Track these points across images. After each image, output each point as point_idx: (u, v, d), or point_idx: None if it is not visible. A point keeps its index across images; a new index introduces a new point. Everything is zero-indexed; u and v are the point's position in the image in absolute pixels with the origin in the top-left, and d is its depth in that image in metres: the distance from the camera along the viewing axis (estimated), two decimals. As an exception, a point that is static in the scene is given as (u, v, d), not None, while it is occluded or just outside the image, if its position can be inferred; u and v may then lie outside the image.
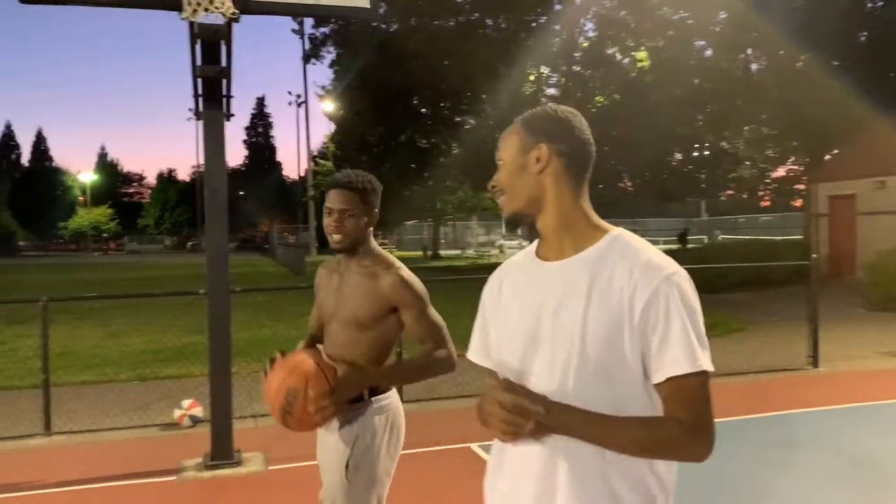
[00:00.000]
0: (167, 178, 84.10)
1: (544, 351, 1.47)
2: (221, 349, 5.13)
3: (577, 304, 1.44)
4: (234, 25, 4.87)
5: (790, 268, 14.94)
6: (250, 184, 74.96)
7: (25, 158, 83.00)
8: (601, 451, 1.41)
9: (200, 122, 5.22)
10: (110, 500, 4.74)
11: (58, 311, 6.79)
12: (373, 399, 2.45)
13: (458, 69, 24.24)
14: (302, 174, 62.41)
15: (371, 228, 2.54)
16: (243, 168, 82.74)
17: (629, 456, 1.41)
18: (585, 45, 27.05)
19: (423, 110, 29.17)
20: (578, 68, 27.30)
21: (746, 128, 25.30)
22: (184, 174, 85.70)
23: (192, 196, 73.20)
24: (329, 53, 30.82)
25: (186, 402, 6.39)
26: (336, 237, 2.47)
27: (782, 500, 4.47)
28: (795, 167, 27.78)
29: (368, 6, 5.10)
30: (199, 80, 5.11)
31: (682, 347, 1.38)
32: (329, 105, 34.98)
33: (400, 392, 7.34)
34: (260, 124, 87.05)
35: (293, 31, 38.00)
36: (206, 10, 4.64)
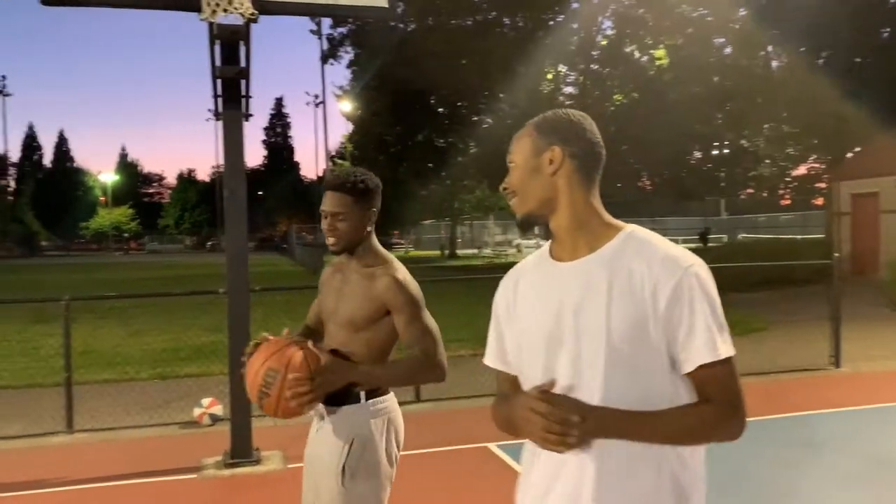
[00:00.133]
0: (187, 179, 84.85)
1: (568, 350, 1.48)
2: (241, 348, 5.13)
3: (598, 302, 1.46)
4: (253, 26, 4.90)
5: (812, 267, 14.76)
6: (269, 184, 75.39)
7: (48, 159, 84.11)
8: (634, 446, 1.43)
9: (220, 123, 5.26)
10: (131, 497, 4.79)
11: (80, 311, 6.88)
12: (369, 401, 2.36)
13: (476, 68, 24.24)
14: (320, 174, 62.71)
15: (369, 229, 2.47)
16: (262, 168, 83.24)
17: (661, 448, 1.44)
18: (603, 43, 26.95)
19: (441, 110, 29.19)
20: (596, 66, 27.20)
21: (766, 126, 25.08)
22: (203, 174, 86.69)
23: (211, 196, 73.73)
24: (347, 53, 30.94)
25: (206, 401, 6.44)
26: (331, 240, 2.43)
27: (804, 501, 4.42)
28: (817, 165, 27.52)
29: (386, 6, 5.11)
30: (219, 81, 5.14)
31: (708, 338, 1.43)
32: (347, 105, 35.07)
33: (417, 391, 7.36)
34: (278, 125, 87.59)
35: (311, 31, 38.14)
36: (225, 10, 4.67)
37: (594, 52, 26.96)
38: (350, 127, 38.31)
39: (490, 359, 1.71)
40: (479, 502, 4.50)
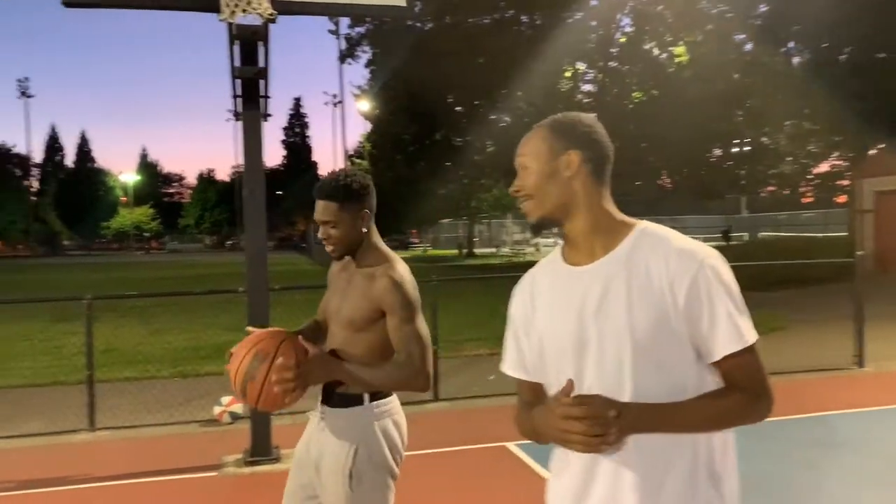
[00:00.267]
0: (207, 179, 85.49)
1: (593, 353, 1.49)
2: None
3: (618, 302, 1.47)
4: (272, 26, 4.92)
5: (834, 265, 14.60)
6: (288, 183, 75.73)
7: (69, 160, 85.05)
8: (667, 439, 1.45)
9: (239, 123, 5.29)
10: (152, 494, 4.83)
11: (102, 310, 6.95)
12: (373, 403, 2.35)
13: (493, 67, 24.17)
14: (338, 173, 62.75)
15: (365, 230, 2.41)
16: (281, 168, 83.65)
17: (694, 438, 1.47)
18: (622, 40, 26.79)
19: (458, 108, 29.13)
20: (615, 64, 27.04)
21: (788, 123, 24.80)
22: (223, 174, 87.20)
23: (231, 196, 74.28)
24: (365, 53, 30.96)
25: (226, 399, 6.48)
26: (328, 248, 2.42)
27: (826, 502, 4.37)
28: (839, 162, 27.15)
29: (404, 4, 5.11)
30: (238, 81, 5.17)
31: (731, 327, 1.45)
32: (365, 104, 35.17)
33: (435, 391, 7.35)
34: (297, 124, 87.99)
35: (329, 31, 38.16)
36: (244, 11, 4.69)
37: (613, 50, 26.80)
38: (368, 126, 38.45)
39: (509, 367, 1.71)
40: (498, 501, 4.49)
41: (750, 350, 1.47)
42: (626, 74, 26.89)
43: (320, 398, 2.47)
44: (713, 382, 1.50)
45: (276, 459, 5.23)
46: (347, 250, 2.41)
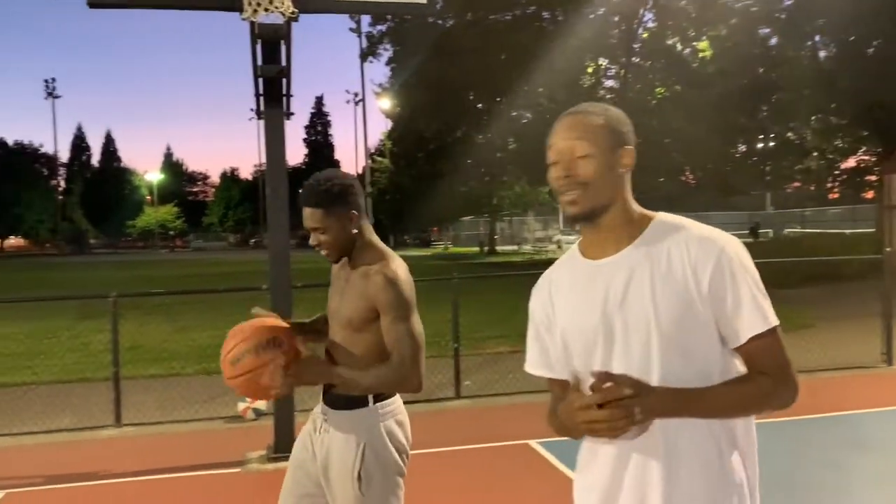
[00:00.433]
0: (230, 177, 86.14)
1: (619, 344, 1.49)
2: (283, 344, 5.20)
3: (642, 291, 1.48)
4: (293, 25, 4.94)
5: (862, 262, 14.38)
6: (310, 182, 75.91)
7: (95, 159, 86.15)
8: (695, 428, 1.46)
9: (262, 122, 5.32)
10: (177, 490, 4.88)
11: (127, 307, 7.03)
12: (377, 405, 2.33)
13: (515, 63, 24.10)
14: (360, 171, 63.14)
15: (355, 230, 2.37)
16: (303, 167, 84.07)
17: (722, 425, 1.47)
18: (645, 35, 26.60)
19: (479, 105, 29.10)
20: (638, 59, 26.85)
21: (814, 118, 24.50)
22: (246, 173, 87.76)
23: (254, 194, 74.78)
24: (386, 51, 31.05)
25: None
26: (323, 253, 2.40)
27: (852, 503, 4.31)
28: (867, 157, 26.75)
29: (425, 1, 5.11)
30: (260, 80, 5.20)
31: (755, 309, 1.46)
32: (386, 102, 35.25)
33: (457, 388, 7.34)
34: (319, 123, 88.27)
35: (351, 29, 38.35)
36: (266, 10, 4.72)
37: (635, 45, 26.62)
38: (389, 124, 38.54)
39: (533, 367, 1.71)
40: (521, 499, 4.48)
41: (773, 332, 1.48)
42: (649, 70, 26.70)
43: (321, 399, 2.46)
44: (739, 370, 1.50)
45: (299, 456, 5.25)
46: (341, 253, 2.38)
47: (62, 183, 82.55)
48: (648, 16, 26.28)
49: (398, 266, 2.34)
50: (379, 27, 30.47)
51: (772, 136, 26.67)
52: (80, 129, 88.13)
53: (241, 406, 6.49)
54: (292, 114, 5.39)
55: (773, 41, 23.46)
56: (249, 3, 4.69)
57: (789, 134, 26.25)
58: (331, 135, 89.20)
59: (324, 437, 2.40)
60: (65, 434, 6.22)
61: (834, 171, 29.98)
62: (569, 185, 1.52)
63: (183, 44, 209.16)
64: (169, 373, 8.61)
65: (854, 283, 14.28)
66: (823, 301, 13.00)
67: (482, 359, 8.50)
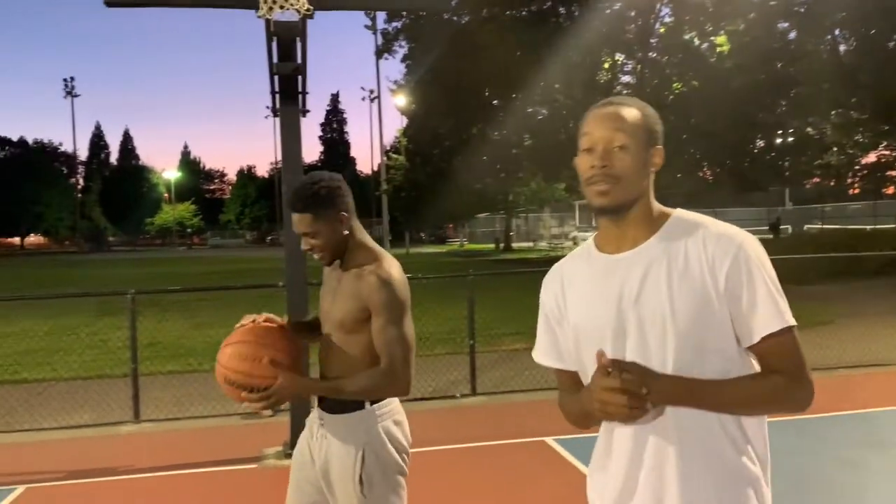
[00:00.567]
0: (247, 175, 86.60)
1: (634, 341, 1.48)
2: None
3: (658, 288, 1.47)
4: (309, 22, 4.95)
5: (882, 258, 14.23)
6: (326, 179, 76.07)
7: (114, 157, 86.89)
8: (710, 425, 1.45)
9: (278, 119, 5.33)
10: (195, 485, 4.91)
11: (145, 304, 7.09)
12: (374, 406, 2.31)
13: (530, 59, 24.01)
14: (375, 168, 63.27)
15: (346, 232, 2.34)
16: (319, 164, 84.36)
17: (736, 423, 1.46)
18: (662, 30, 26.40)
19: (495, 102, 29.02)
20: (654, 55, 26.66)
21: (834, 112, 24.21)
22: (263, 170, 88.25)
23: (270, 192, 75.17)
24: (401, 48, 31.05)
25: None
26: (315, 256, 2.38)
27: (871, 502, 4.26)
28: (888, 152, 26.44)
29: (440, -2, 5.09)
30: (276, 78, 5.22)
31: (771, 307, 1.44)
32: (401, 99, 35.24)
33: (473, 385, 7.31)
34: (334, 120, 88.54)
35: (366, 26, 38.42)
36: (282, 7, 4.73)
37: (652, 40, 26.43)
38: (405, 121, 38.53)
39: (542, 356, 1.72)
40: (537, 496, 4.46)
41: (789, 332, 1.45)
42: (666, 65, 26.49)
43: (317, 403, 2.43)
44: (757, 371, 1.49)
45: (316, 452, 5.27)
46: (334, 255, 2.36)
47: (81, 181, 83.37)
48: (665, 10, 26.08)
49: (392, 266, 2.31)
50: (394, 24, 30.47)
51: (790, 131, 26.39)
52: (98, 127, 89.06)
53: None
54: (308, 111, 5.41)
55: (792, 35, 23.21)
56: (265, 1, 4.70)
57: (808, 129, 25.96)
58: (346, 132, 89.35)
59: (322, 443, 2.38)
60: (84, 430, 6.28)
61: (854, 167, 29.66)
62: (602, 175, 1.49)
63: (200, 42, 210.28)
64: (186, 369, 8.66)
65: (874, 280, 14.14)
66: (843, 297, 12.87)
67: (498, 355, 8.48)
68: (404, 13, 28.64)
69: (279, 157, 5.95)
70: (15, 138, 76.89)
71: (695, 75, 25.34)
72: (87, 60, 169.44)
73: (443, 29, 26.47)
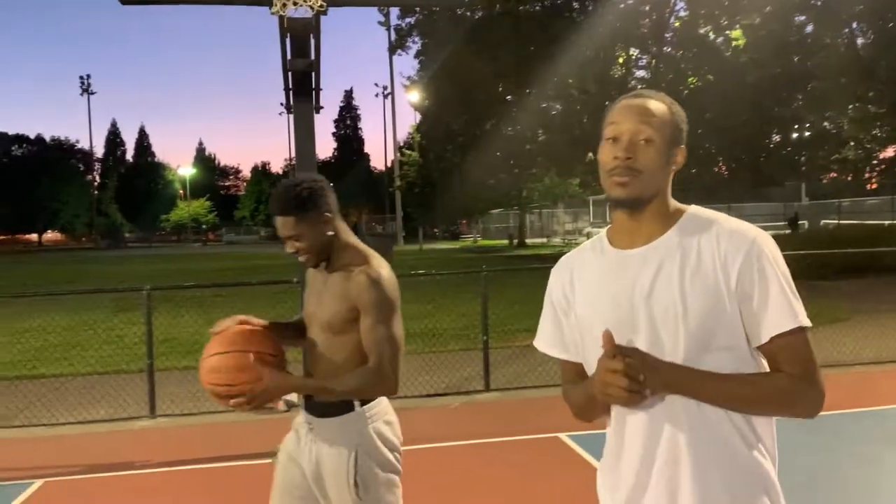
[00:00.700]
0: (261, 171, 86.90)
1: (644, 337, 1.46)
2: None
3: (671, 284, 1.45)
4: (322, 18, 4.95)
5: (900, 254, 14.06)
6: (339, 175, 76.44)
7: (129, 154, 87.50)
8: (723, 422, 1.43)
9: (291, 116, 5.35)
10: (210, 480, 4.94)
11: (161, 300, 7.12)
12: (364, 408, 2.29)
13: (544, 54, 23.94)
14: (389, 165, 63.27)
15: (331, 233, 2.31)
16: (332, 160, 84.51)
17: (746, 420, 1.44)
18: (677, 25, 26.24)
19: (509, 97, 28.97)
20: (669, 49, 26.52)
21: (851, 106, 23.97)
22: (277, 167, 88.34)
23: (284, 188, 75.26)
24: (415, 44, 31.10)
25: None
26: (300, 259, 2.33)
27: (889, 499, 4.22)
28: (906, 147, 26.15)
29: (453, -6, 5.09)
30: (290, 75, 5.23)
31: (783, 306, 1.42)
32: (415, 95, 35.27)
33: (487, 381, 7.31)
34: (348, 116, 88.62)
35: (379, 23, 38.57)
36: (295, 4, 4.74)
37: (667, 35, 26.28)
38: (418, 117, 38.54)
39: (545, 345, 1.71)
40: (551, 492, 4.46)
41: (801, 332, 1.42)
42: (681, 59, 26.36)
43: (303, 407, 2.41)
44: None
45: (330, 448, 5.28)
46: (320, 257, 2.32)
47: (97, 178, 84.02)
48: (680, 4, 25.97)
49: (381, 265, 2.29)
50: (408, 20, 30.50)
51: (807, 125, 26.19)
52: (114, 124, 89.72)
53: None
54: (321, 108, 5.42)
55: (809, 28, 22.99)
56: (278, -2, 4.72)
57: (825, 123, 25.75)
58: (360, 128, 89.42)
59: (312, 447, 2.35)
60: (101, 425, 6.34)
61: (872, 161, 29.35)
62: (625, 167, 1.47)
63: (214, 39, 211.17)
64: (202, 365, 8.70)
65: (892, 276, 13.98)
66: (860, 293, 12.75)
67: (512, 352, 8.47)
68: (417, 9, 28.63)
69: (293, 154, 5.97)
70: (32, 136, 77.77)
71: (710, 70, 25.18)
72: (103, 58, 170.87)
73: (456, 24, 26.46)
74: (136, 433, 6.14)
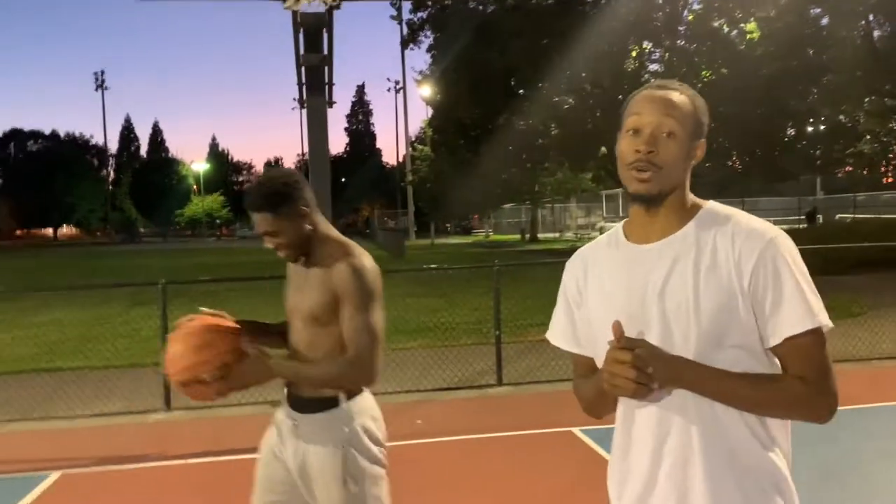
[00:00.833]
0: (274, 166, 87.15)
1: (656, 334, 1.44)
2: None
3: (685, 281, 1.43)
4: (335, 13, 4.96)
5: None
6: (351, 170, 76.61)
7: (143, 150, 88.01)
8: (736, 421, 1.41)
9: (304, 111, 5.36)
10: (224, 473, 4.97)
11: (176, 294, 7.17)
12: (349, 403, 2.28)
13: (557, 48, 23.82)
14: (401, 159, 63.28)
15: (309, 226, 2.28)
16: (344, 155, 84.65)
17: (758, 419, 1.41)
18: (690, 18, 26.05)
19: (521, 91, 28.86)
20: (683, 42, 26.32)
21: (867, 100, 23.73)
22: (290, 162, 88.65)
23: (297, 183, 75.43)
24: (427, 38, 30.97)
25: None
26: (280, 255, 2.32)
27: (908, 495, 4.20)
28: (923, 140, 25.88)
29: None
30: (303, 69, 5.24)
31: (797, 308, 1.38)
32: (427, 90, 35.23)
33: (499, 375, 7.31)
34: (360, 111, 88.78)
35: (391, 17, 38.50)
36: (308, -1, 4.74)
37: (680, 28, 26.10)
38: (430, 112, 38.51)
39: (557, 338, 1.70)
40: (565, 486, 4.47)
41: (815, 334, 1.38)
42: (695, 53, 26.14)
43: (286, 403, 2.39)
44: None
45: (343, 441, 5.30)
46: (300, 251, 2.31)
47: (112, 173, 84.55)
48: (694, -3, 25.75)
49: (363, 255, 2.28)
50: (420, 14, 30.39)
51: (822, 119, 25.96)
52: (128, 120, 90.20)
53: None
54: (334, 102, 5.44)
55: (825, 21, 22.76)
56: (291, -7, 4.72)
57: (841, 117, 25.51)
58: (372, 123, 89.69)
59: (297, 444, 2.33)
60: (116, 418, 6.39)
61: (888, 155, 29.07)
62: (647, 161, 1.44)
63: (227, 35, 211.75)
64: (216, 358, 8.75)
65: (909, 270, 13.86)
66: (877, 288, 12.64)
67: (524, 346, 8.47)
68: (430, 3, 28.58)
69: (306, 149, 5.97)
70: (47, 131, 78.35)
71: (724, 63, 24.98)
72: (117, 54, 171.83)
73: (468, 18, 26.37)
74: (151, 426, 6.19)
